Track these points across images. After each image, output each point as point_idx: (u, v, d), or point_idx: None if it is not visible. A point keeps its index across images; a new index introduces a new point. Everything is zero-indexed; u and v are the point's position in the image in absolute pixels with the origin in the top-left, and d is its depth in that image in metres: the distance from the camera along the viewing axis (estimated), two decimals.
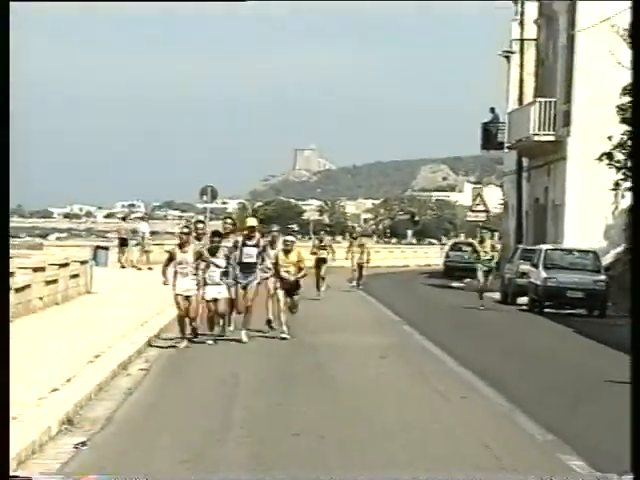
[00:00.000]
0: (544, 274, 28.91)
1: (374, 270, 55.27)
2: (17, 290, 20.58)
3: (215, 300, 18.18)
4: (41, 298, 22.87)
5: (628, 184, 29.86)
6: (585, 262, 29.55)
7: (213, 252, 18.13)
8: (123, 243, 38.20)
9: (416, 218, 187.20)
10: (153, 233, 55.95)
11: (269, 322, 19.90)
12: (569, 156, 36.50)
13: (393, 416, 11.69)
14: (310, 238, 32.76)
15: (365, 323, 23.61)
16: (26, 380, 12.80)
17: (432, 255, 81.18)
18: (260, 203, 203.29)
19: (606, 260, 35.23)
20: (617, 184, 29.96)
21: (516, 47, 45.25)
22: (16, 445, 9.41)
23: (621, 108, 28.95)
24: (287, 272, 18.94)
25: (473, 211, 51.00)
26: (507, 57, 48.43)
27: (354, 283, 35.97)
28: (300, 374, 14.84)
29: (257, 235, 18.91)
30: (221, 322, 18.87)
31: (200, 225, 19.70)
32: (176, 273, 17.68)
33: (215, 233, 18.73)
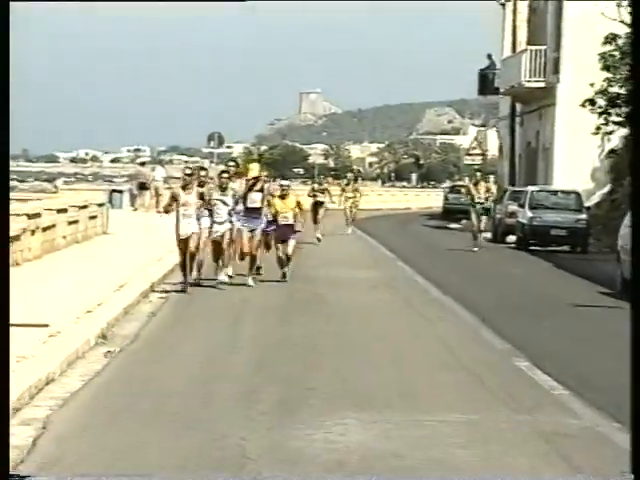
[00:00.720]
0: (530, 214, 31.02)
1: (375, 213, 57.40)
2: (44, 229, 22.66)
3: (222, 236, 18.34)
4: (64, 237, 24.93)
5: (609, 128, 31.75)
6: (568, 202, 31.58)
7: (223, 189, 18.38)
8: (142, 187, 39.94)
9: (421, 161, 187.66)
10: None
11: (258, 267, 19.71)
12: (558, 102, 38.30)
13: (377, 330, 13.82)
14: (315, 182, 32.30)
15: (361, 260, 25.67)
16: (63, 304, 14.86)
17: (434, 198, 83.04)
18: (265, 147, 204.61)
19: (593, 200, 37.23)
20: (598, 128, 31.81)
21: None
22: (63, 352, 11.50)
23: (602, 56, 30.72)
24: (285, 217, 19.11)
25: (470, 154, 52.85)
26: (503, 4, 49.99)
27: (350, 230, 35.35)
28: (299, 301, 16.90)
29: (262, 181, 19.04)
30: (221, 263, 18.67)
31: (202, 172, 19.15)
32: (178, 216, 17.67)
33: (224, 171, 19.02)
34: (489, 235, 34.36)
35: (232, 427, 8.44)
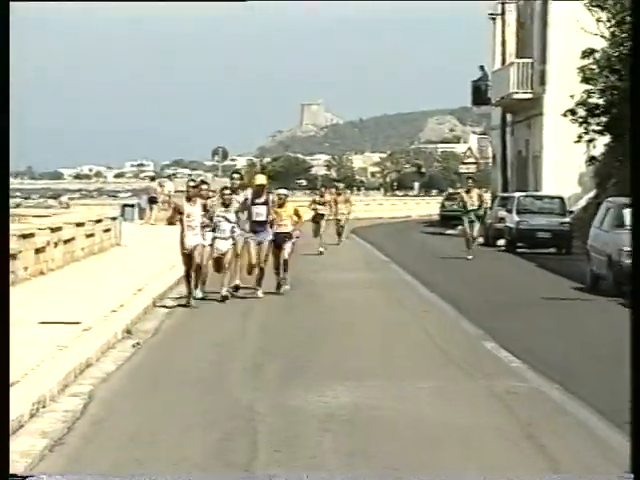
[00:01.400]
0: (517, 218, 33.05)
1: (375, 221, 59.40)
2: (65, 242, 24.66)
3: (224, 254, 18.21)
4: (83, 249, 26.92)
5: (589, 136, 33.75)
6: (553, 207, 33.58)
7: (226, 205, 18.32)
8: (152, 201, 41.88)
9: (422, 170, 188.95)
10: (162, 186, 59.22)
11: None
12: (545, 112, 40.28)
13: (366, 320, 15.83)
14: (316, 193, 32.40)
15: (358, 264, 27.65)
16: (90, 306, 16.83)
17: (434, 206, 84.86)
18: (268, 159, 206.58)
19: (580, 204, 39.20)
20: (580, 137, 33.82)
21: (500, 9, 48.89)
22: (97, 343, 13.46)
23: (581, 69, 32.77)
24: (282, 225, 19.15)
25: (464, 163, 54.84)
26: (493, 18, 52.04)
27: (341, 241, 34.27)
28: (299, 299, 18.86)
29: (266, 193, 19.02)
30: (225, 278, 18.51)
31: (204, 186, 18.95)
32: (183, 228, 17.69)
33: (226, 188, 18.84)
34: (481, 240, 36.29)
35: (244, 391, 10.42)
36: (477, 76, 53.06)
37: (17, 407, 9.37)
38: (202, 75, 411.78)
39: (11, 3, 7.19)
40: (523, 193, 36.57)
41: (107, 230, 30.75)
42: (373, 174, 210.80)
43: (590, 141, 34.40)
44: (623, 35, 31.88)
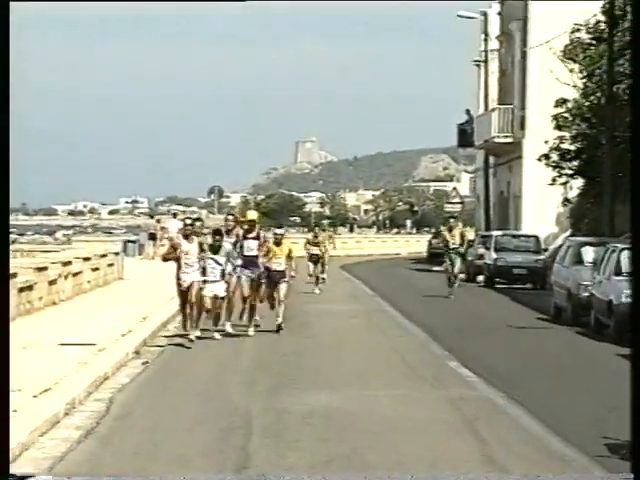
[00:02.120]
0: (494, 255, 35.28)
1: (365, 258, 61.52)
2: (74, 275, 26.75)
3: (215, 297, 18.11)
4: (89, 282, 29.01)
5: (562, 180, 36.03)
6: (528, 245, 35.83)
7: (215, 250, 18.14)
8: (152, 237, 43.94)
9: (415, 208, 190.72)
10: (163, 228, 61.28)
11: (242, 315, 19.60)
12: (525, 155, 42.55)
13: (347, 343, 17.99)
14: (311, 231, 32.25)
15: (345, 296, 29.76)
16: (101, 331, 18.90)
17: (424, 243, 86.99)
18: (262, 196, 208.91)
19: (557, 242, 41.36)
20: (554, 180, 36.12)
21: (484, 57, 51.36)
22: (111, 361, 15.53)
23: (555, 117, 35.11)
24: (278, 263, 19.28)
25: (450, 202, 57.15)
26: (478, 65, 54.53)
27: (316, 290, 30.56)
28: (290, 326, 20.89)
29: (257, 228, 19.25)
30: (222, 318, 18.75)
31: (198, 223, 19.06)
32: (179, 265, 17.80)
33: (216, 232, 18.71)
34: (463, 276, 38.41)
35: (241, 398, 12.51)
36: (464, 119, 55.48)
37: (52, 407, 11.46)
38: (196, 112, 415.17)
39: (11, 3, 7.03)
40: (501, 232, 38.85)
41: (111, 264, 32.83)
42: (366, 211, 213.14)
43: (564, 183, 36.66)
44: (593, 86, 34.19)
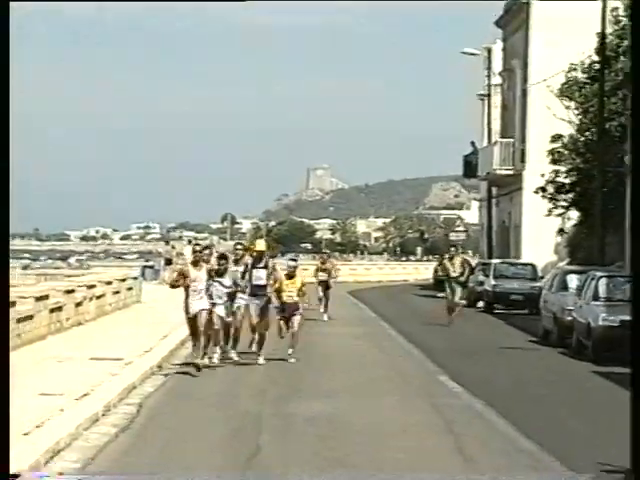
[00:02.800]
0: (493, 282, 37.20)
1: (373, 284, 63.42)
2: (97, 297, 28.71)
3: (220, 318, 18.48)
4: (110, 304, 30.96)
5: (558, 211, 37.96)
6: (525, 272, 37.70)
7: (220, 274, 18.36)
8: (168, 263, 45.85)
9: (425, 236, 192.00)
10: (179, 254, 63.08)
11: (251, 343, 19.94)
12: (525, 187, 44.43)
13: (350, 361, 19.88)
14: (330, 257, 30.93)
15: (351, 320, 31.62)
16: (127, 348, 20.81)
17: (432, 270, 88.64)
18: (273, 223, 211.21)
19: (554, 271, 43.21)
20: (550, 211, 38.07)
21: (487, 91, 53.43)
22: (138, 373, 17.41)
23: (550, 152, 37.11)
24: (290, 296, 19.35)
25: (454, 231, 59.08)
26: (482, 99, 56.57)
27: (325, 317, 30.60)
28: (298, 346, 22.79)
29: (266, 257, 19.32)
30: (229, 344, 19.25)
31: (206, 251, 19.10)
32: (188, 293, 17.93)
33: (221, 256, 18.92)
34: (464, 302, 40.26)
35: (252, 406, 14.40)
36: (469, 150, 57.43)
37: (92, 408, 13.36)
38: (208, 139, 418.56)
39: (11, 3, 7.05)
40: (499, 260, 40.77)
41: (130, 288, 34.78)
42: (377, 239, 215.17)
43: (560, 215, 38.59)
44: (587, 122, 36.13)
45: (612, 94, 34.31)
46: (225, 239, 54.08)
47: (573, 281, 24.14)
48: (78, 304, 26.19)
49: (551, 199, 37.23)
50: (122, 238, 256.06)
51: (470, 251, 75.40)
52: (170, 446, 11.65)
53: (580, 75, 37.35)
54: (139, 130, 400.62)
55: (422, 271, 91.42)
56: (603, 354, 20.31)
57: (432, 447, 11.69)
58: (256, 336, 19.34)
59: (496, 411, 14.09)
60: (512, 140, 46.39)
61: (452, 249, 33.02)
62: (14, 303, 19.99)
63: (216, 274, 18.23)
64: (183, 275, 18.02)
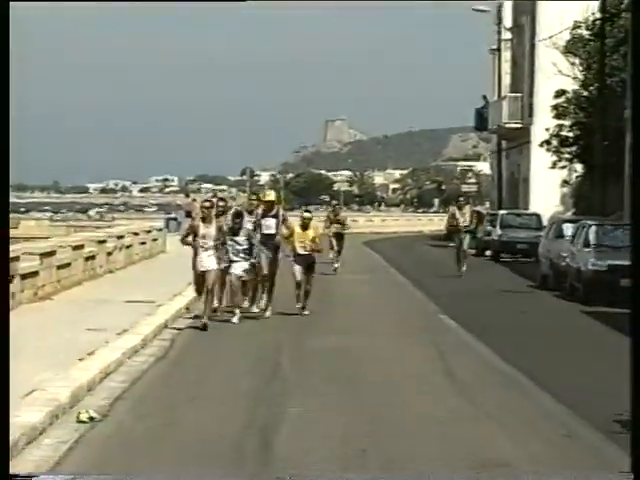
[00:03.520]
0: (499, 232, 39.14)
1: (389, 235, 65.36)
2: (127, 247, 30.73)
3: (238, 277, 18.46)
4: (137, 254, 32.98)
5: (562, 164, 39.73)
6: (530, 222, 39.58)
7: (235, 233, 18.27)
8: (188, 215, 47.83)
9: (442, 187, 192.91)
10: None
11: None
12: (532, 140, 46.12)
13: (356, 304, 21.88)
14: (341, 208, 31.74)
15: (362, 267, 33.59)
16: (157, 292, 22.81)
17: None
18: (292, 175, 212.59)
19: None
20: (554, 164, 39.85)
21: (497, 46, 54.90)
22: (170, 312, 19.41)
23: (554, 107, 38.80)
24: (303, 247, 19.24)
25: (466, 183, 60.89)
26: (493, 53, 57.99)
27: (337, 264, 30.50)
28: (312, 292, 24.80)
29: (277, 207, 19.44)
30: (245, 301, 19.27)
31: (221, 203, 19.13)
32: (196, 249, 17.73)
33: (237, 214, 18.73)
34: (473, 251, 42.13)
35: (272, 341, 16.38)
36: (481, 104, 58.97)
37: (132, 342, 15.35)
38: (227, 91, 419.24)
39: (11, 3, 7.03)
40: (506, 211, 42.65)
41: (155, 239, 36.81)
42: (394, 190, 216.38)
43: (564, 167, 40.39)
44: (591, 78, 37.77)
45: (614, 51, 35.89)
46: (244, 191, 55.95)
47: (568, 230, 25.98)
48: (109, 253, 28.20)
49: (555, 152, 38.97)
50: (141, 190, 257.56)
51: (487, 202, 76.73)
52: (201, 370, 13.64)
53: (584, 32, 38.92)
54: (157, 82, 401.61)
55: (437, 222, 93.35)
56: (592, 296, 22.20)
57: (426, 371, 13.63)
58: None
59: (484, 343, 16.03)
60: (521, 95, 48.01)
61: (461, 199, 33.87)
62: (54, 252, 22.02)
63: (230, 232, 18.07)
64: (194, 232, 17.66)
